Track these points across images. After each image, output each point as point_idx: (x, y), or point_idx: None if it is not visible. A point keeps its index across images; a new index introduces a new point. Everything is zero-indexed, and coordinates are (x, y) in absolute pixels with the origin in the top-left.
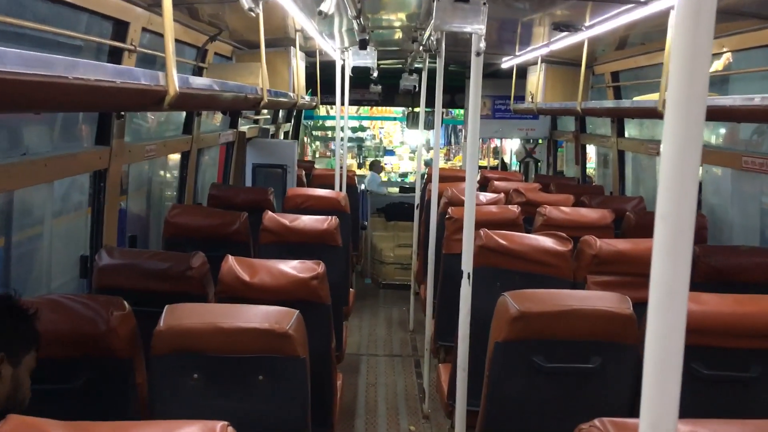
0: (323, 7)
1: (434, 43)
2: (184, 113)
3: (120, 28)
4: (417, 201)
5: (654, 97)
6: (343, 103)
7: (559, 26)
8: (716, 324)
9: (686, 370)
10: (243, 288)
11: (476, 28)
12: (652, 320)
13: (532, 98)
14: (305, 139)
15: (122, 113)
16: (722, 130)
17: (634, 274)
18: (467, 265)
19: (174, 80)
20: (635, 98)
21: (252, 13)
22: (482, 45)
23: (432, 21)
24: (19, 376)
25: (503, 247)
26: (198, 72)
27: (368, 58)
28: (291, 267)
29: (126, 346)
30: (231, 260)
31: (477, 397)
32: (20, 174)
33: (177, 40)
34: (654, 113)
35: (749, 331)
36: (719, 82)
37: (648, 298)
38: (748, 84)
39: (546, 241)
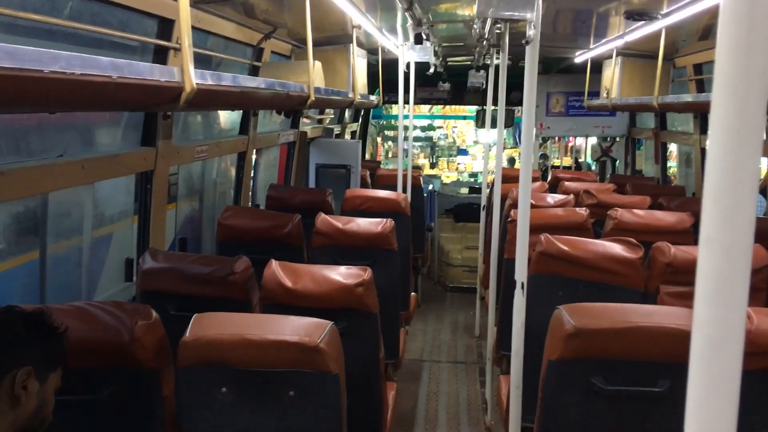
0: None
1: (497, 37)
2: (240, 113)
3: (165, 27)
4: (483, 202)
5: None
6: (407, 102)
7: (632, 15)
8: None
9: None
10: (285, 294)
11: (524, 14)
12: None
13: (607, 94)
14: (378, 138)
15: (168, 114)
16: None
17: None
18: (521, 274)
19: (191, 76)
20: None
21: None
22: (531, 33)
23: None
24: (45, 394)
25: (566, 254)
26: (253, 71)
27: (427, 54)
28: (337, 273)
29: (152, 356)
30: (274, 265)
31: (534, 413)
32: (55, 175)
33: (229, 39)
34: None
35: None
36: None
37: None
38: None
39: (614, 248)
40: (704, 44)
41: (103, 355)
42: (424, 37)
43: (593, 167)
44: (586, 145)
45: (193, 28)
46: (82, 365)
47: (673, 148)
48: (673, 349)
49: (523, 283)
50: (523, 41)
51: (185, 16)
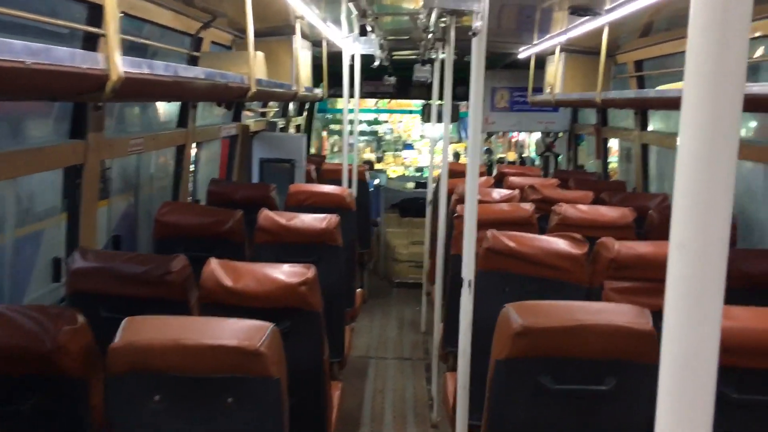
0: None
1: (443, 30)
2: (179, 104)
3: (95, 12)
4: (429, 197)
5: (678, 86)
6: (352, 95)
7: (577, 10)
8: (749, 342)
9: (718, 395)
10: (225, 294)
11: (470, 5)
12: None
13: (550, 89)
14: (324, 132)
15: (99, 104)
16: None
17: (655, 280)
18: (468, 271)
19: (117, 63)
20: (661, 87)
21: None
22: (478, 24)
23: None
24: None
25: (512, 250)
26: (192, 61)
27: (372, 46)
28: (279, 271)
29: (78, 364)
30: (213, 263)
31: (482, 411)
32: None
33: (166, 27)
34: (679, 104)
35: None
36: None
37: None
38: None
39: (559, 243)
40: (645, 41)
41: (25, 363)
42: (369, 29)
43: (536, 162)
44: (529, 140)
45: (127, 15)
46: (3, 373)
47: (613, 143)
48: (619, 347)
49: (470, 281)
50: (470, 33)
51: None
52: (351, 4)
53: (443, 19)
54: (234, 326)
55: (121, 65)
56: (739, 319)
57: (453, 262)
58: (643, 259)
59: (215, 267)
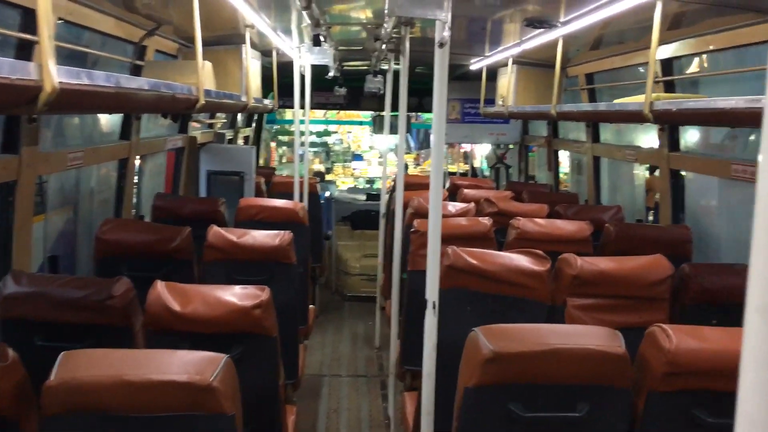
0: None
1: (397, 41)
2: (121, 116)
3: (29, 19)
4: (382, 210)
5: (639, 99)
6: (303, 106)
7: (533, 22)
8: (724, 364)
9: (688, 418)
10: (173, 319)
11: (437, 14)
12: None
13: (502, 101)
14: (272, 144)
15: (34, 117)
16: (692, 136)
17: (618, 296)
18: (432, 292)
19: (52, 73)
20: (618, 101)
21: None
22: (446, 34)
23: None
24: None
25: (474, 267)
26: (135, 71)
27: (325, 57)
28: (231, 294)
29: (8, 403)
30: (160, 287)
31: None
32: None
33: (108, 35)
34: (640, 117)
35: None
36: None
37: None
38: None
39: (521, 260)
40: (596, 54)
41: None
42: (322, 39)
43: (486, 173)
44: (473, 150)
45: (65, 21)
46: None
47: (563, 154)
48: (593, 371)
49: (434, 303)
50: (437, 44)
51: (45, 4)
52: (305, 13)
53: (396, 30)
54: (183, 359)
55: (56, 75)
56: (710, 340)
57: (411, 278)
58: (606, 275)
59: (162, 290)
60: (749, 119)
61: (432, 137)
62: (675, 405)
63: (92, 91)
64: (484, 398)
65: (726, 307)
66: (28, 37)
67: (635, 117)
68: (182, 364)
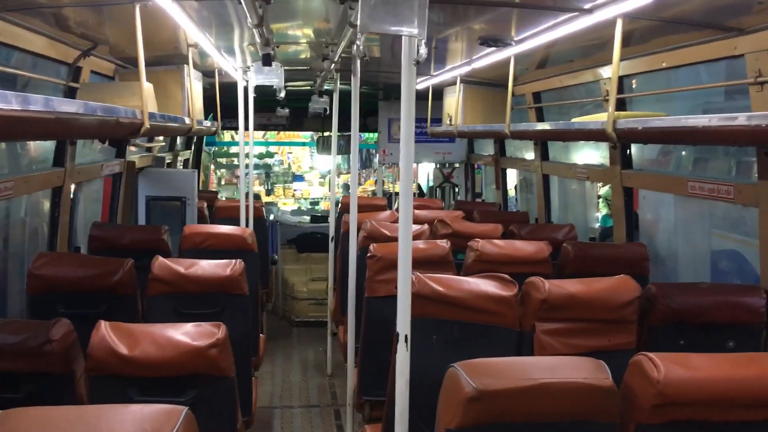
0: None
1: (347, 62)
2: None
3: None
4: (331, 233)
5: (600, 117)
6: (246, 128)
7: (487, 41)
8: (715, 393)
9: None
10: (120, 363)
11: (412, 30)
12: None
13: (450, 120)
14: (210, 166)
15: None
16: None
17: (587, 320)
18: (404, 324)
19: None
20: (577, 119)
21: None
22: (423, 51)
23: (346, 35)
24: None
25: (439, 294)
26: (70, 93)
27: (274, 77)
28: (182, 333)
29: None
30: (104, 328)
31: None
32: None
33: (39, 55)
34: (603, 136)
35: (749, 401)
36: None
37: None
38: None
39: (488, 285)
40: (542, 72)
41: None
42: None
43: (426, 192)
44: (419, 170)
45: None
46: None
47: (509, 173)
48: (581, 406)
49: (407, 336)
50: (414, 61)
51: None
52: (255, 32)
53: (346, 50)
54: (137, 415)
55: None
56: (699, 369)
57: (369, 305)
58: (575, 298)
59: (105, 332)
60: (723, 138)
61: (401, 156)
62: None
63: (29, 117)
64: None
65: (694, 327)
66: None
67: (597, 135)
68: (135, 421)
